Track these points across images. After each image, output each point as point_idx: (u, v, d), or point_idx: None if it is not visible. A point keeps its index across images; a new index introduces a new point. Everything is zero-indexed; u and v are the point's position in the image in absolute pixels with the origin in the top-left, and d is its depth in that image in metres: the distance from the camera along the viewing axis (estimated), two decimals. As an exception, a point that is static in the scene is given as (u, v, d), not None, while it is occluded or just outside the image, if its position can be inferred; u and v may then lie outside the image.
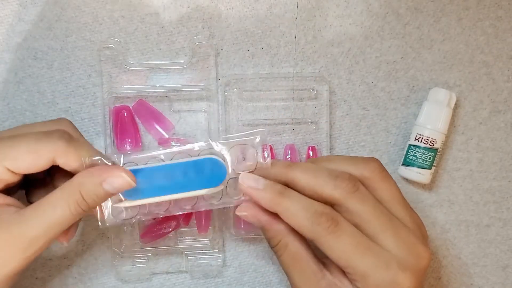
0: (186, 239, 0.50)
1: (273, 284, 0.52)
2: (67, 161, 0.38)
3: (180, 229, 0.50)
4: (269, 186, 0.39)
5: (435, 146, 0.49)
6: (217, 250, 0.50)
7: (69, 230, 0.42)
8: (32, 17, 0.48)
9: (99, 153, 0.39)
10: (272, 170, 0.40)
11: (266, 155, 0.41)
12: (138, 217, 0.41)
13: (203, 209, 0.43)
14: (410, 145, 0.50)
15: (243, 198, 0.41)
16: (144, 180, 0.39)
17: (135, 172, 0.39)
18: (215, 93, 0.49)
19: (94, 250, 0.50)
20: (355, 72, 0.51)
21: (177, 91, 0.49)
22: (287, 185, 0.40)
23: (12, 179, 0.38)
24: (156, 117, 0.49)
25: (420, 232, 0.40)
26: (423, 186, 0.52)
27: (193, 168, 0.40)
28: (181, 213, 0.42)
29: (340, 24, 0.50)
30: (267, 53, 0.50)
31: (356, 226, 0.39)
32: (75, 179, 0.38)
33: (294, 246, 0.40)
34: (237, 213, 0.41)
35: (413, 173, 0.50)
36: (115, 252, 0.49)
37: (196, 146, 0.41)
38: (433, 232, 0.52)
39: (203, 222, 0.49)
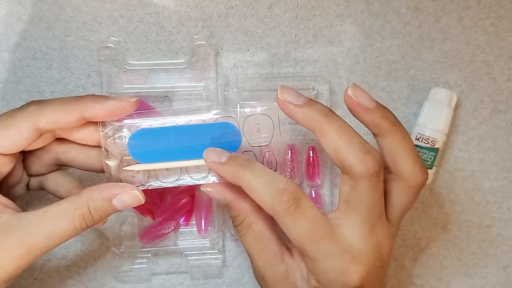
0: (186, 239, 0.50)
1: (273, 284, 0.52)
2: (95, 112, 0.37)
3: (180, 230, 0.49)
4: (232, 159, 0.37)
5: (436, 146, 0.49)
6: (217, 251, 0.50)
7: None
8: (31, 16, 0.47)
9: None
10: (308, 110, 0.37)
11: (280, 130, 0.39)
12: (148, 184, 0.40)
13: (216, 181, 0.41)
14: (410, 145, 0.50)
15: None
16: (156, 142, 0.39)
17: (147, 133, 0.39)
18: (215, 93, 0.49)
19: (94, 250, 0.50)
20: (355, 71, 0.51)
21: (177, 91, 0.49)
22: (314, 132, 0.38)
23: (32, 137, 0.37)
24: (155, 117, 0.49)
25: (396, 229, 0.40)
26: (424, 186, 0.52)
27: (207, 133, 0.39)
28: (192, 184, 0.41)
29: (340, 24, 0.50)
30: (267, 53, 0.50)
31: (347, 201, 0.38)
32: (84, 192, 0.37)
33: (258, 226, 0.40)
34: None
35: (413, 173, 0.49)
36: (115, 253, 0.48)
37: (212, 114, 0.40)
38: (434, 232, 0.52)
39: (203, 223, 0.49)
